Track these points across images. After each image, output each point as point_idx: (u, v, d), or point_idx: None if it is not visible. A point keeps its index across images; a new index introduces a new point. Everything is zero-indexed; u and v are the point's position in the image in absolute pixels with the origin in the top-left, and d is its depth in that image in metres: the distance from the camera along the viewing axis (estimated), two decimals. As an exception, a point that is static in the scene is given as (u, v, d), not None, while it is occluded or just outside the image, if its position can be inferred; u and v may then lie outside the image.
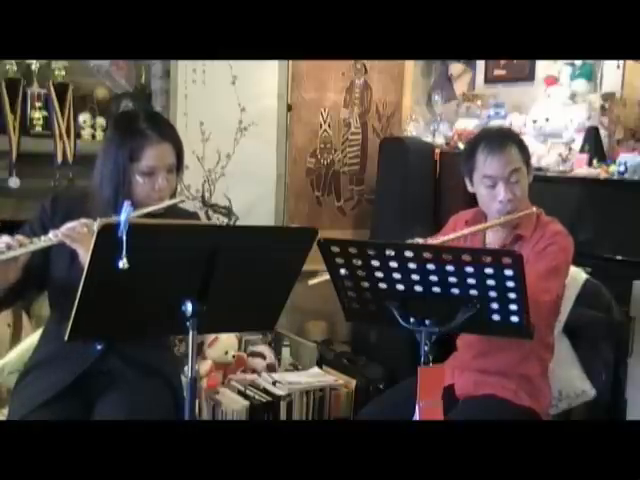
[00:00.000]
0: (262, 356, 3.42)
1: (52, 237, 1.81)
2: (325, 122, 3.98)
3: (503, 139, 2.16)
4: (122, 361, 2.01)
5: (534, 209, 2.16)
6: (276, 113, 3.77)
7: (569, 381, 2.37)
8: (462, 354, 2.30)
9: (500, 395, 2.14)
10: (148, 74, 3.49)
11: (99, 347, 1.99)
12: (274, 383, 3.18)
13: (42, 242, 1.82)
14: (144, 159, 1.95)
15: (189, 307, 1.61)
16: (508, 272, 1.65)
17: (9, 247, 1.77)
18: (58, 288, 2.01)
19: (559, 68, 3.66)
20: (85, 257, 1.77)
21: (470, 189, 2.24)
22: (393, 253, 1.73)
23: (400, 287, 1.77)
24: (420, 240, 2.06)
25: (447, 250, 1.74)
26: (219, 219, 3.66)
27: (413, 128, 4.04)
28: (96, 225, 1.49)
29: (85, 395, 1.98)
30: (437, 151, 3.82)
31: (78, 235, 1.81)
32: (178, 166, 2.04)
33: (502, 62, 4.02)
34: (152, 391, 2.00)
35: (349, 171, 4.10)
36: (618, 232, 2.96)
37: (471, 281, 1.69)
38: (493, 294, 1.70)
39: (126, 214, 1.46)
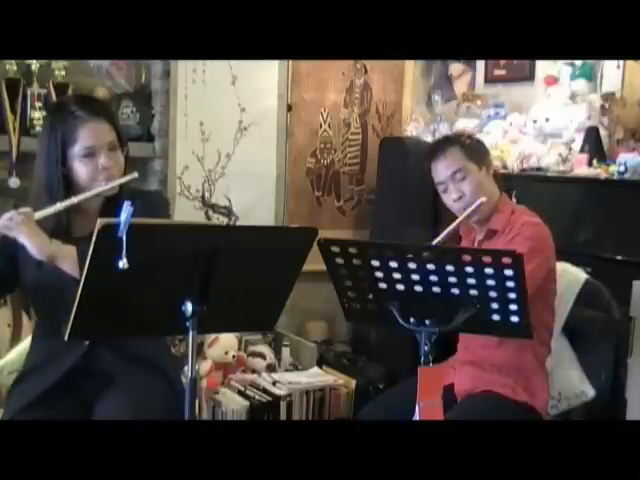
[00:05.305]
0: (262, 356, 3.42)
1: None
2: (325, 122, 3.97)
3: (442, 145, 2.29)
4: (115, 358, 1.97)
5: (483, 199, 2.20)
6: (276, 113, 3.76)
7: (569, 381, 2.37)
8: (459, 348, 2.33)
9: (497, 392, 2.15)
10: (148, 74, 3.49)
11: (86, 342, 1.95)
12: (274, 383, 3.18)
13: None
14: (80, 140, 1.89)
15: (189, 307, 1.61)
16: (508, 272, 1.65)
17: None
18: (33, 292, 2.00)
19: (559, 68, 3.66)
20: (30, 246, 1.80)
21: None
22: (393, 253, 1.73)
23: (400, 287, 1.77)
24: None
25: (447, 250, 1.75)
26: (219, 219, 3.66)
27: (413, 128, 4.03)
28: (96, 225, 1.48)
29: (81, 396, 1.96)
30: (437, 151, 3.82)
31: (15, 224, 1.80)
32: (121, 143, 1.96)
33: (502, 62, 4.01)
34: (154, 391, 1.98)
35: (349, 171, 4.09)
36: (618, 232, 2.96)
37: (471, 281, 1.69)
38: (493, 294, 1.70)
39: (126, 214, 1.45)
